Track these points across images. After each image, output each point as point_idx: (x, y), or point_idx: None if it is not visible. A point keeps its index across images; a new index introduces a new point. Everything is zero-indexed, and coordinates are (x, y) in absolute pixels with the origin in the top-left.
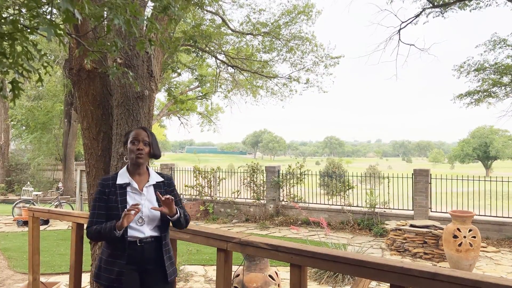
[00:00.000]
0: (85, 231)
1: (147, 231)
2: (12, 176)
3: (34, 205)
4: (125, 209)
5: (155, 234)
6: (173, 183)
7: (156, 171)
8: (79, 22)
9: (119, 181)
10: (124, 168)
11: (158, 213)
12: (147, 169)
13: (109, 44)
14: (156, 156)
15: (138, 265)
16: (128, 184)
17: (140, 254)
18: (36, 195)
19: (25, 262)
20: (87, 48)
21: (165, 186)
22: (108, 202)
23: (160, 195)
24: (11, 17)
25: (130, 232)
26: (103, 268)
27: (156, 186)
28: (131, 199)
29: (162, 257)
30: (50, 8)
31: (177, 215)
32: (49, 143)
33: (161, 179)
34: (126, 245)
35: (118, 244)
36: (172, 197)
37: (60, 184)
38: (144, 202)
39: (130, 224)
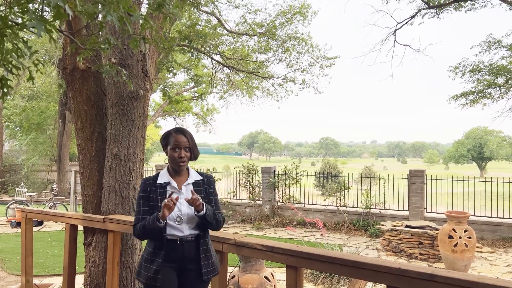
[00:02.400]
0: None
1: (186, 230)
2: (6, 177)
3: (28, 206)
4: (165, 200)
5: (195, 232)
6: (213, 181)
7: (196, 170)
8: (71, 18)
9: (160, 180)
10: (165, 169)
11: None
12: (187, 169)
13: (102, 42)
14: (196, 157)
15: (177, 264)
16: (168, 183)
17: (179, 252)
18: (30, 196)
19: (18, 263)
20: (79, 45)
21: (205, 185)
22: (150, 201)
23: (189, 197)
24: (0, 14)
25: (169, 231)
26: (143, 266)
27: (195, 185)
28: None
29: (199, 255)
30: (40, 5)
31: (203, 211)
32: (44, 143)
33: (200, 177)
34: (164, 243)
35: (158, 243)
36: (198, 197)
37: (55, 185)
38: (182, 200)
39: (169, 222)
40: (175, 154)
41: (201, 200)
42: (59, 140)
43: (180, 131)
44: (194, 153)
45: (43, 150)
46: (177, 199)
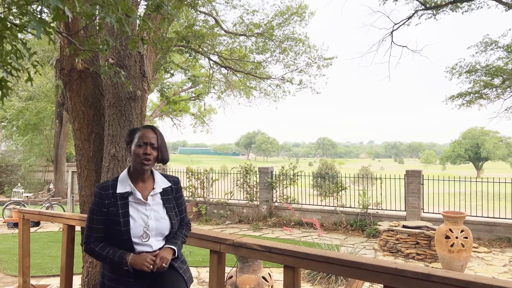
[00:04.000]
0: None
1: (155, 244)
2: (3, 178)
3: (25, 206)
4: (148, 257)
5: (162, 244)
6: (180, 187)
7: (161, 172)
8: (70, 20)
9: (120, 189)
10: (125, 172)
11: (166, 224)
12: (152, 172)
13: (100, 43)
14: (165, 161)
15: (149, 279)
16: (130, 194)
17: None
18: (27, 196)
19: (15, 264)
20: (78, 47)
21: (173, 193)
22: (107, 215)
23: (158, 210)
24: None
25: (138, 248)
26: (107, 285)
27: (163, 194)
28: (134, 211)
29: (173, 266)
30: (40, 6)
31: (176, 252)
32: (41, 144)
33: (168, 184)
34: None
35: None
36: (164, 262)
37: (51, 186)
38: (149, 213)
39: (134, 240)
40: (140, 150)
41: (168, 258)
42: (56, 140)
43: (149, 126)
44: (162, 154)
45: (40, 151)
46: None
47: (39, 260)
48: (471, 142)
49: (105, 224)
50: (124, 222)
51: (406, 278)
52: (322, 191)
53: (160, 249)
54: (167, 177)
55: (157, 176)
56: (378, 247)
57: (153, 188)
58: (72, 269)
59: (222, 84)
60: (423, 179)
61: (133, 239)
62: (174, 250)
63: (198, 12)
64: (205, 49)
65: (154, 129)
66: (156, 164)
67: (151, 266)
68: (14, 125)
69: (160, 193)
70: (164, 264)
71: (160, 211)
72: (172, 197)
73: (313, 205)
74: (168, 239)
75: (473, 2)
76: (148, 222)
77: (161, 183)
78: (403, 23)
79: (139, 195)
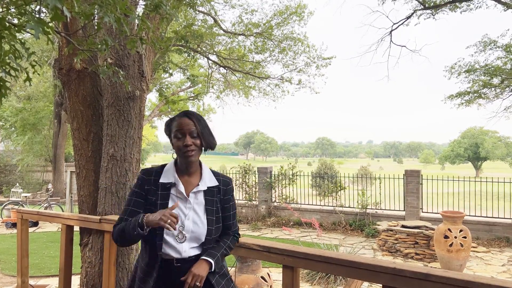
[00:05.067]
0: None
1: (187, 250)
2: (1, 178)
3: (23, 206)
4: (166, 211)
5: (196, 253)
6: (231, 189)
7: (212, 169)
8: (68, 20)
9: (164, 179)
10: (172, 162)
11: (203, 229)
12: (200, 165)
13: (99, 42)
14: (212, 146)
15: None
16: (173, 185)
17: (175, 276)
18: (25, 196)
19: (14, 264)
20: (76, 46)
21: (220, 194)
22: (146, 202)
23: (198, 209)
24: None
25: (165, 249)
26: (137, 286)
27: (208, 193)
28: None
29: (209, 282)
30: (38, 6)
31: (213, 266)
32: (39, 144)
33: (215, 183)
34: (157, 263)
35: (150, 260)
36: (197, 283)
37: (50, 186)
38: (188, 212)
39: (166, 238)
40: (179, 143)
41: (203, 275)
42: (54, 140)
43: (184, 113)
44: (206, 140)
45: (39, 151)
46: (175, 222)
47: (38, 260)
48: (470, 142)
49: (143, 210)
50: None
51: (405, 277)
52: (321, 191)
53: (190, 257)
54: (217, 175)
55: (206, 172)
56: (377, 247)
57: (198, 185)
58: (71, 269)
59: (221, 83)
60: (422, 179)
61: (165, 237)
62: (211, 263)
63: (197, 12)
64: (204, 48)
65: (190, 115)
66: (202, 151)
67: (169, 221)
68: (12, 125)
69: (204, 191)
70: (197, 283)
71: (200, 212)
72: (218, 199)
73: (312, 205)
74: (204, 248)
75: (472, 1)
76: (184, 222)
77: (207, 181)
78: (402, 23)
79: (182, 189)
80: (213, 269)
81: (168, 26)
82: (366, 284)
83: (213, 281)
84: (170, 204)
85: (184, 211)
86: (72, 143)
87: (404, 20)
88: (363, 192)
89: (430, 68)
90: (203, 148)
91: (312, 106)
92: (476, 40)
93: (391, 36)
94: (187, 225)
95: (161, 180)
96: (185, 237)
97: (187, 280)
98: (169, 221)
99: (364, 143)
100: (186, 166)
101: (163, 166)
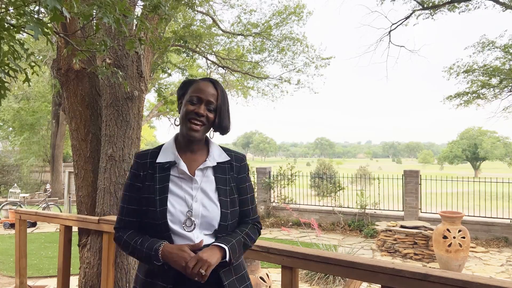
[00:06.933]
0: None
1: (200, 238)
2: None
3: (21, 207)
4: (185, 250)
5: (210, 241)
6: (246, 167)
7: (222, 146)
8: (67, 20)
9: (161, 158)
10: (172, 138)
11: (215, 212)
12: (207, 143)
13: (98, 43)
14: (224, 129)
15: (188, 286)
16: (173, 164)
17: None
18: (24, 197)
19: (12, 265)
20: (75, 47)
21: (234, 172)
22: (142, 192)
23: (208, 188)
24: None
25: (176, 240)
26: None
27: (218, 170)
28: (176, 188)
29: (220, 279)
30: (37, 7)
31: (228, 255)
32: (37, 144)
33: (226, 158)
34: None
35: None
36: (203, 271)
37: (48, 186)
38: (195, 193)
39: (173, 227)
40: (191, 108)
41: (211, 262)
42: (52, 140)
43: (209, 79)
44: (221, 119)
45: (37, 151)
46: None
47: (36, 261)
48: (469, 142)
49: (139, 205)
50: (161, 200)
51: (404, 278)
52: (320, 191)
53: (205, 246)
54: (228, 151)
55: (214, 147)
56: (376, 247)
57: (205, 161)
58: (69, 270)
59: None
60: (421, 179)
61: (171, 226)
62: (224, 250)
63: (196, 12)
64: (203, 48)
65: (215, 83)
66: (212, 132)
67: (191, 266)
68: (10, 125)
69: (214, 168)
70: (202, 271)
71: (211, 192)
72: (231, 178)
73: (311, 205)
74: (218, 237)
75: (470, 2)
76: (192, 205)
77: (217, 156)
78: (401, 23)
79: (184, 167)
80: (227, 258)
81: (166, 26)
82: (365, 284)
83: (226, 281)
84: (171, 186)
85: (191, 192)
86: (70, 143)
87: (403, 20)
88: (362, 192)
89: (429, 69)
90: (212, 127)
91: (311, 106)
92: (474, 40)
93: (390, 36)
94: (196, 209)
95: (158, 160)
96: (194, 223)
97: (188, 264)
98: (195, 269)
99: (363, 143)
100: (187, 141)
101: (161, 146)
